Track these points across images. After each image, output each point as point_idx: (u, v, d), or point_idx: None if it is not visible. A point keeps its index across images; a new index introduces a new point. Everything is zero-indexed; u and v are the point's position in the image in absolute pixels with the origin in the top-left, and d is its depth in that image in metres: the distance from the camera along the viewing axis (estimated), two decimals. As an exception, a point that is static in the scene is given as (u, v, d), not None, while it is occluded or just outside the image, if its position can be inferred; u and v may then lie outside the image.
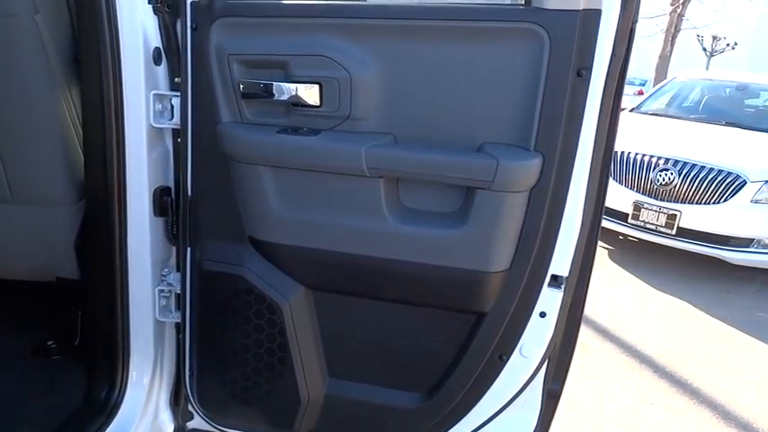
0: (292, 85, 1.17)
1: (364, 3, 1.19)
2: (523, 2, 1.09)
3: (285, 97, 1.18)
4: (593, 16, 1.03)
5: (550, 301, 1.19)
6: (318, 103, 1.17)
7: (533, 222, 1.15)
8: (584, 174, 1.12)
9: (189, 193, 1.31)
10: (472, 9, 1.09)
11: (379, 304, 1.29)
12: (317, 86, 1.17)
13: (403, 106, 1.16)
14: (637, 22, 1.07)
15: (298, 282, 1.30)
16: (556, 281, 1.18)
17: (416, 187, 1.20)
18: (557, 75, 1.06)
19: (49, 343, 1.64)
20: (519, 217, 1.14)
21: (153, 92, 1.26)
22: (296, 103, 1.18)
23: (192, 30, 1.21)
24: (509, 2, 1.21)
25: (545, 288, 1.18)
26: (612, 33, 1.04)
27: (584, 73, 1.06)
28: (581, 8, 1.03)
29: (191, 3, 1.20)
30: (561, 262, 1.17)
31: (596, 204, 1.15)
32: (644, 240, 4.16)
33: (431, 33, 1.11)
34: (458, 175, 1.13)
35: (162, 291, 1.40)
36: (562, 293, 1.19)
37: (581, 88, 1.07)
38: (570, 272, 1.17)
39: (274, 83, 1.18)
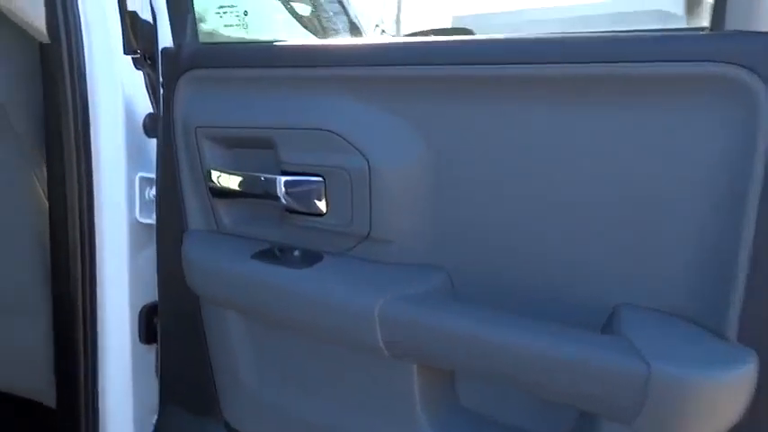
0: (284, 179, 0.81)
1: (399, 41, 0.75)
2: (708, 25, 0.62)
3: (273, 198, 0.82)
4: None
5: None
6: (322, 210, 0.81)
7: None
8: None
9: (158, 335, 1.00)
10: (621, 42, 0.61)
11: None
12: (318, 181, 0.80)
13: (469, 222, 0.73)
14: None
15: None
16: None
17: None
18: None
19: None
20: None
21: (139, 174, 1.00)
22: (290, 208, 0.82)
23: (163, 88, 0.92)
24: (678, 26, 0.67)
25: None
26: None
27: None
28: None
29: (161, 50, 0.92)
30: None
31: None
32: None
33: (536, 88, 0.65)
34: (560, 389, 0.61)
35: None
36: None
37: None
38: None
39: (255, 174, 0.84)
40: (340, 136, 0.78)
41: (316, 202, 0.81)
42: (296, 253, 0.84)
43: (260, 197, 0.85)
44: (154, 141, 0.99)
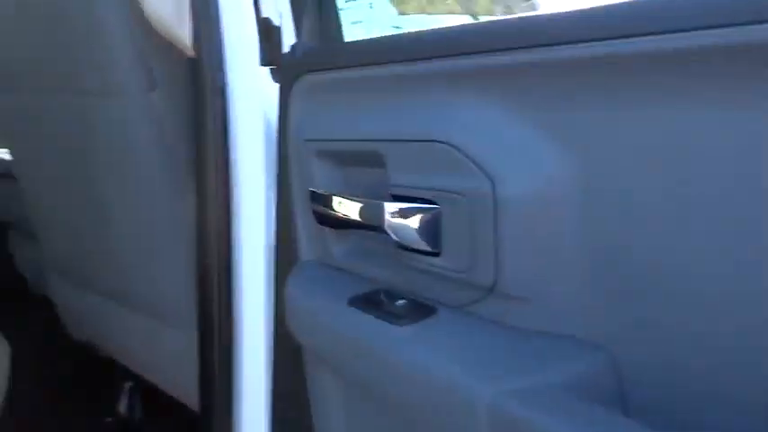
0: (388, 206, 0.64)
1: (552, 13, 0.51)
2: None
3: (377, 229, 0.66)
4: None
5: None
6: (435, 248, 0.61)
7: None
8: None
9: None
10: None
11: None
12: (432, 210, 0.61)
13: (643, 274, 0.47)
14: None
15: None
16: None
17: None
18: None
19: None
20: None
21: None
22: (400, 244, 0.65)
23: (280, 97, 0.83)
24: None
25: None
26: None
27: None
28: None
29: (282, 54, 0.85)
30: None
31: None
32: None
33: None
34: None
35: None
36: None
37: None
38: None
39: (357, 199, 0.69)
40: (457, 149, 0.57)
41: (426, 236, 0.61)
42: (401, 302, 0.66)
43: (363, 228, 0.70)
44: None
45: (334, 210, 0.72)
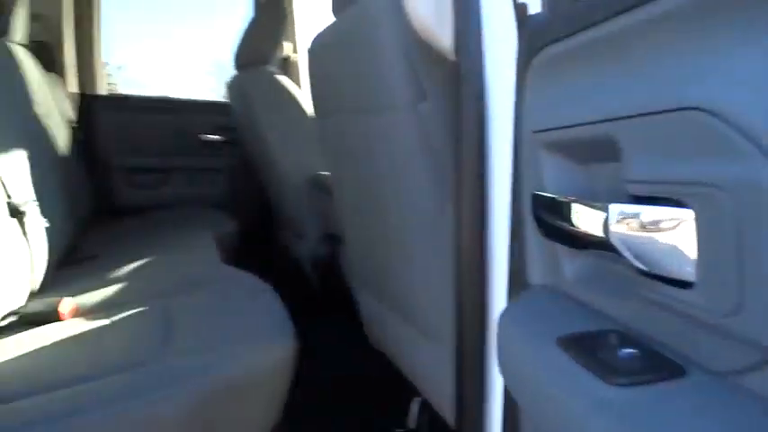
0: (616, 208, 0.48)
1: None
2: None
3: (600, 243, 0.51)
4: None
5: None
6: (685, 275, 0.42)
7: None
8: None
9: None
10: None
11: None
12: (680, 215, 0.42)
13: None
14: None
15: None
16: None
17: None
18: None
19: None
20: None
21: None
22: (631, 262, 0.47)
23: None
24: None
25: None
26: None
27: None
28: None
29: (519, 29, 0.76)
30: None
31: None
32: None
33: None
34: None
35: None
36: None
37: None
38: None
39: (581, 202, 0.55)
40: (719, 117, 0.37)
41: (671, 256, 0.42)
42: (629, 351, 0.47)
43: (590, 243, 0.54)
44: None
45: (561, 218, 0.57)
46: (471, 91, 0.88)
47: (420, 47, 1.00)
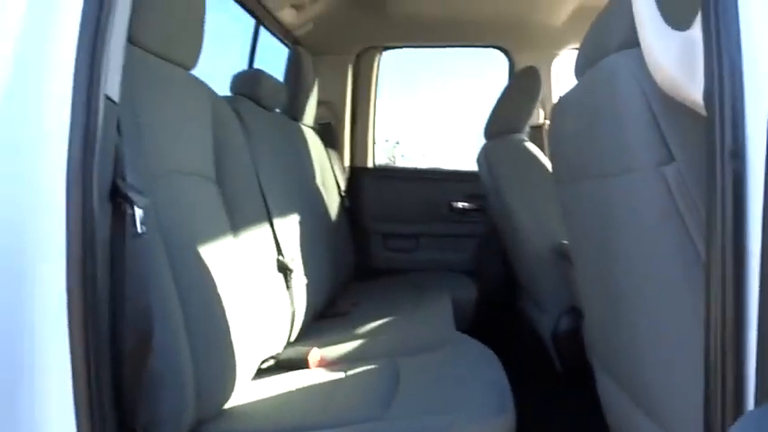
0: None
1: None
2: None
3: None
4: None
5: None
6: None
7: None
8: None
9: None
10: None
11: None
12: None
13: None
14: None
15: None
16: None
17: None
18: None
19: None
20: None
21: None
22: None
23: None
24: None
25: None
26: None
27: None
28: None
29: None
30: None
31: None
32: None
33: None
34: None
35: None
36: None
37: None
38: None
39: None
40: None
41: None
42: None
43: None
44: None
45: None
46: (725, 148, 0.75)
47: (665, 103, 0.90)
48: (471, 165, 2.51)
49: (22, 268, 0.73)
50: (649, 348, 1.01)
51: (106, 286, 0.77)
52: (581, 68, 1.22)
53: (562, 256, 1.83)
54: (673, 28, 0.89)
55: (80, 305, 0.72)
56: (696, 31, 0.84)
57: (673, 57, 0.87)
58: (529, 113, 2.35)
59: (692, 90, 0.85)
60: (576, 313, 1.74)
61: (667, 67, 0.87)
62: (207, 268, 1.10)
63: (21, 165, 0.72)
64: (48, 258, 0.72)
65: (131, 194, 0.80)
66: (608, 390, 1.32)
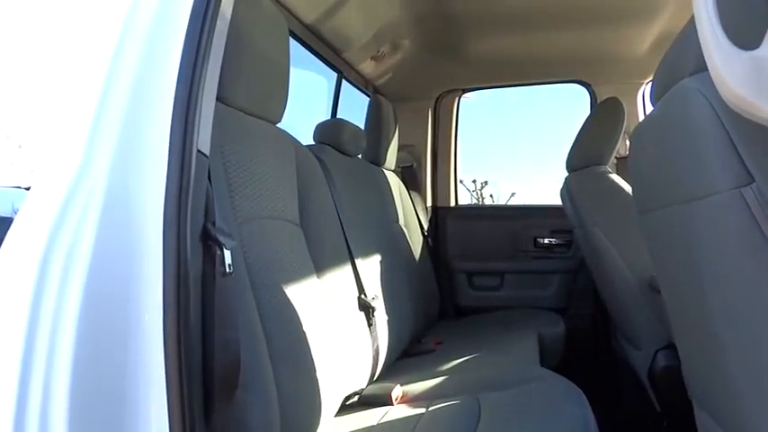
0: None
1: None
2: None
3: None
4: None
5: None
6: None
7: None
8: None
9: None
10: None
11: None
12: None
13: None
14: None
15: None
16: None
17: None
18: None
19: None
20: None
21: None
22: None
23: None
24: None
25: None
26: None
27: None
28: None
29: None
30: None
31: None
32: None
33: None
34: None
35: None
36: None
37: None
38: None
39: None
40: None
41: None
42: None
43: None
44: None
45: None
46: None
47: (740, 124, 0.87)
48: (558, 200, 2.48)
49: (127, 307, 0.82)
50: (741, 378, 0.95)
51: (197, 321, 0.84)
52: (656, 96, 1.20)
53: (655, 289, 1.75)
54: (740, 48, 0.87)
55: (174, 340, 0.80)
56: (765, 48, 0.82)
57: (740, 76, 0.85)
58: (613, 145, 2.29)
59: (765, 108, 0.82)
60: (673, 349, 1.65)
61: (735, 87, 0.85)
62: (291, 306, 1.16)
63: (126, 214, 0.83)
64: (147, 295, 0.80)
65: (220, 237, 0.88)
66: (708, 428, 1.24)
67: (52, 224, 0.77)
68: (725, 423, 1.09)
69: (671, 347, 1.68)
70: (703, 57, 0.94)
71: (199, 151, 0.86)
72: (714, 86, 0.91)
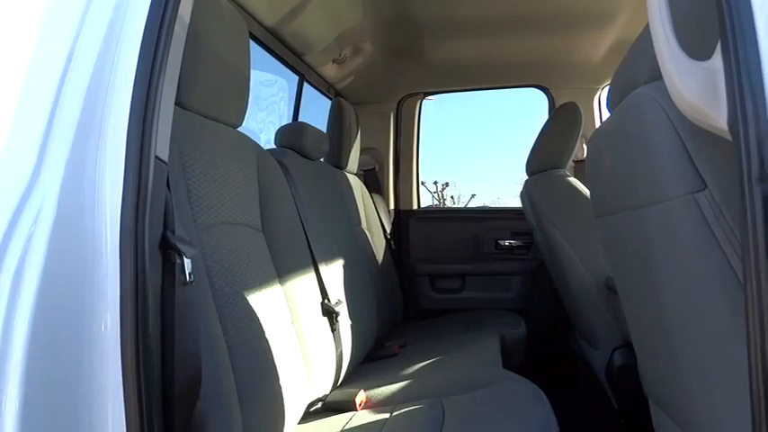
0: None
1: None
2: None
3: None
4: None
5: None
6: None
7: None
8: None
9: None
10: None
11: None
12: None
13: None
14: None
15: None
16: None
17: None
18: None
19: None
20: None
21: None
22: None
23: None
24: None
25: None
26: None
27: None
28: None
29: None
30: None
31: None
32: None
33: None
34: None
35: None
36: None
37: None
38: None
39: None
40: None
41: None
42: None
43: None
44: None
45: None
46: (752, 173, 0.75)
47: (693, 132, 0.90)
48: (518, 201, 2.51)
49: (82, 315, 0.79)
50: (693, 376, 0.98)
51: (157, 332, 0.82)
52: (613, 103, 1.24)
53: (611, 290, 1.79)
54: (693, 58, 0.90)
55: (132, 350, 0.78)
56: (717, 59, 0.85)
57: (694, 86, 0.87)
58: (570, 149, 2.34)
59: (717, 117, 0.85)
60: (630, 348, 1.69)
61: (689, 97, 0.87)
62: (254, 313, 1.15)
63: (81, 221, 0.80)
64: (103, 304, 0.78)
65: (180, 245, 0.86)
66: (662, 424, 1.28)
67: (2, 234, 0.74)
68: (678, 419, 1.13)
69: (627, 346, 1.73)
70: (658, 66, 0.97)
71: (157, 157, 0.84)
72: (669, 95, 0.94)
